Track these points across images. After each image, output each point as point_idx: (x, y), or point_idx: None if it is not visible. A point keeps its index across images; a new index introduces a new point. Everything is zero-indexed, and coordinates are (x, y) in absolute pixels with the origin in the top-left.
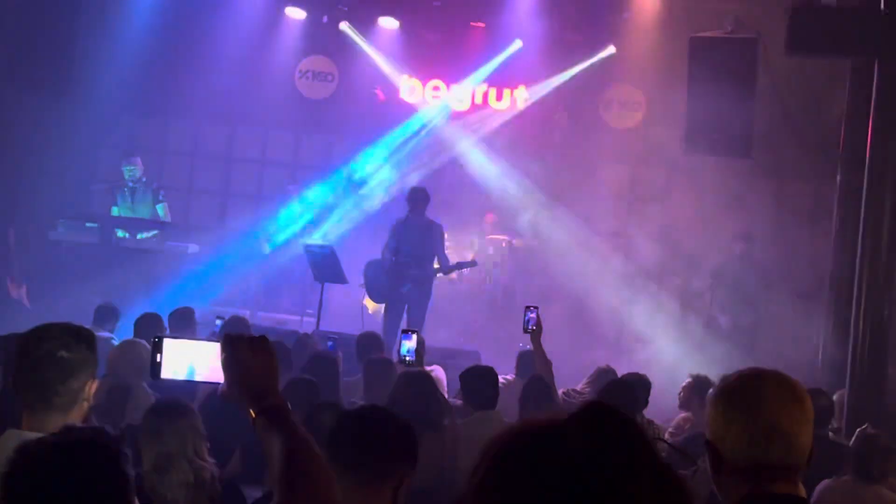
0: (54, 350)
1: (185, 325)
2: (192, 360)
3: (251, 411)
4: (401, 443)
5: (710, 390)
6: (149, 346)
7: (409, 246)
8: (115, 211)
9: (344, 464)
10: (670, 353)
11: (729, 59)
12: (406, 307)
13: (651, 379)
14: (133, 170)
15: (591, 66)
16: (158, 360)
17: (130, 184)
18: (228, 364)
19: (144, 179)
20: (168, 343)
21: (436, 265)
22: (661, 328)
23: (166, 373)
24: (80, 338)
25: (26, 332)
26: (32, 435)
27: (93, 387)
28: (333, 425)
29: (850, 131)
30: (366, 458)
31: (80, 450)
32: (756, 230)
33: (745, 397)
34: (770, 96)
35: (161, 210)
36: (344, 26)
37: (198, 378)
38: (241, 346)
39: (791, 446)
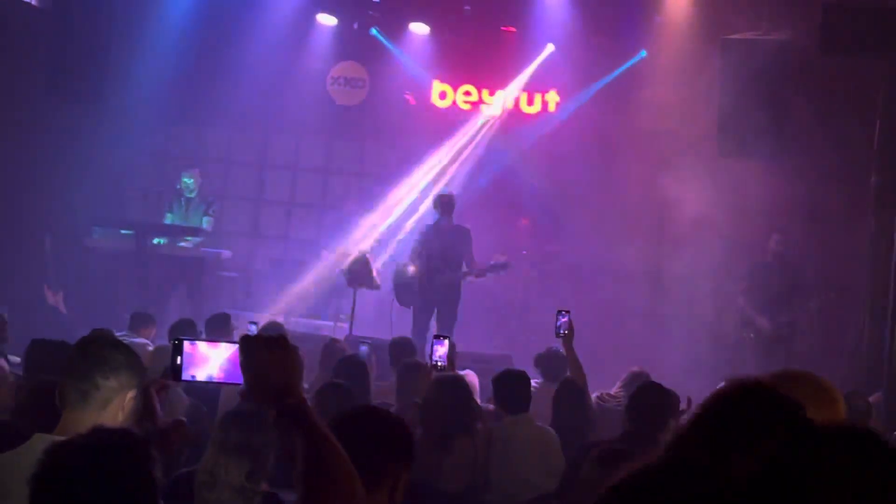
0: (103, 346)
1: (220, 330)
2: (213, 362)
3: (272, 411)
4: (395, 441)
5: None
6: None
7: (438, 250)
8: (168, 218)
9: None
10: (705, 357)
11: (761, 61)
12: (435, 312)
13: (686, 384)
14: (190, 181)
15: (624, 70)
16: (179, 362)
17: (187, 194)
18: (246, 364)
19: (198, 192)
20: (188, 345)
21: (465, 269)
22: (695, 331)
23: (187, 374)
24: (127, 349)
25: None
26: (58, 439)
27: (130, 402)
28: (329, 426)
29: (885, 131)
30: (359, 458)
31: (108, 451)
32: (790, 232)
33: None
34: (804, 98)
35: (206, 223)
36: (374, 31)
37: (218, 379)
38: (258, 346)
39: None
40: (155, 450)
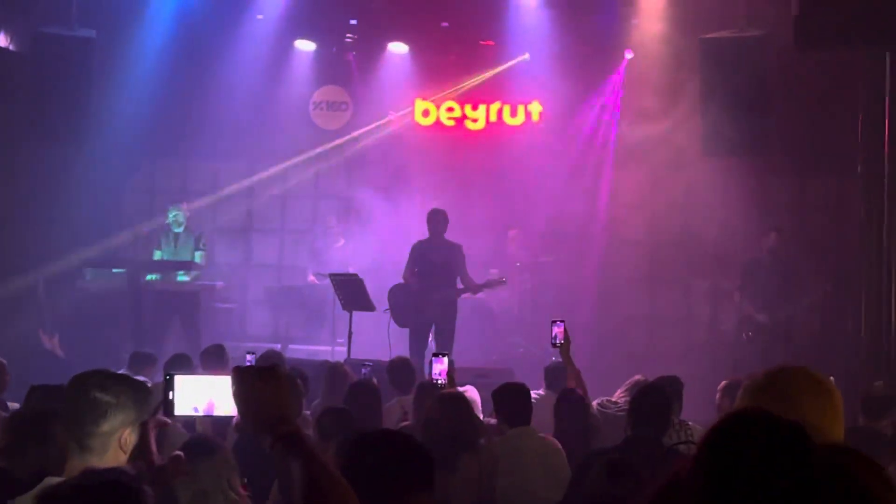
0: (89, 390)
1: (216, 363)
2: (206, 396)
3: (267, 440)
4: (413, 466)
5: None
6: None
7: (431, 268)
8: (157, 255)
9: (357, 490)
10: (704, 356)
11: (741, 58)
12: (432, 330)
13: (688, 384)
14: (177, 214)
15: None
16: (171, 397)
17: (175, 228)
18: (239, 395)
19: (186, 226)
20: (180, 380)
21: (460, 286)
22: (694, 332)
23: (180, 409)
24: (118, 382)
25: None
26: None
27: (130, 437)
28: (345, 452)
29: (868, 123)
30: (378, 483)
31: (100, 491)
32: (784, 227)
33: (773, 392)
34: (785, 92)
35: (199, 257)
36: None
37: (213, 413)
38: (250, 377)
39: (819, 439)
40: (149, 486)
